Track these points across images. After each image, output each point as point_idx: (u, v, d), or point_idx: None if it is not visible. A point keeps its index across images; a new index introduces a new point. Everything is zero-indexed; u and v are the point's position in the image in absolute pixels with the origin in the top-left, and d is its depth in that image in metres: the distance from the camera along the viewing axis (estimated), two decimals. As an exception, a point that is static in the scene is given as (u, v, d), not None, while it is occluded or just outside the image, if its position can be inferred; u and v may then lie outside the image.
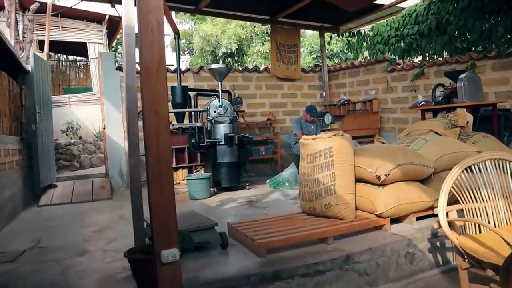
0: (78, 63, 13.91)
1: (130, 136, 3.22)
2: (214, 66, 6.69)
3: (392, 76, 7.49)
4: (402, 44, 7.14)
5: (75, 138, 9.79)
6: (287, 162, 8.69)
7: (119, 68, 7.59)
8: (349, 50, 8.88)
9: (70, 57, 14.11)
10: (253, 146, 8.12)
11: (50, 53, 13.85)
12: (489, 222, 3.03)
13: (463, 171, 3.07)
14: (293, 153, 7.59)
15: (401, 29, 7.15)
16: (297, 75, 8.93)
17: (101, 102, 7.71)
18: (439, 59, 6.61)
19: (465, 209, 3.04)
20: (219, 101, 6.77)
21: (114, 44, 14.70)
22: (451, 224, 2.98)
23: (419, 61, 7.09)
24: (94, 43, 9.90)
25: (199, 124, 4.33)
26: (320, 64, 9.39)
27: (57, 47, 11.41)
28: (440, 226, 2.99)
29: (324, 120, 8.19)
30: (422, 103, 5.72)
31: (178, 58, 6.29)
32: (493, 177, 3.12)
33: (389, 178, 3.65)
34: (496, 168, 3.17)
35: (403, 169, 3.70)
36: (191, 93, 6.78)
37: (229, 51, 13.00)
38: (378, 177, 3.63)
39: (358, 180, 3.93)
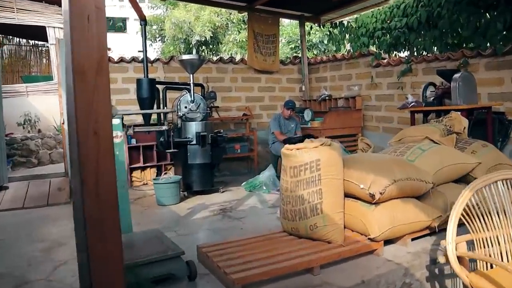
0: (40, 48, 12.89)
1: (71, 154, 2.59)
2: (185, 57, 6.05)
3: (377, 71, 7.04)
4: (388, 37, 6.68)
5: (34, 131, 8.96)
6: (264, 160, 8.18)
7: (80, 57, 6.85)
8: (331, 41, 8.36)
9: (31, 42, 13.07)
10: (228, 143, 7.55)
11: (8, 36, 12.84)
12: (501, 254, 2.60)
13: (473, 194, 2.61)
14: (271, 153, 7.08)
15: (388, 22, 6.69)
16: (275, 67, 8.37)
17: (59, 94, 6.96)
18: (428, 55, 6.18)
19: (476, 240, 2.59)
20: (191, 96, 6.15)
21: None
22: (459, 258, 2.52)
23: (406, 56, 6.66)
24: (54, 27, 9.05)
25: (164, 127, 3.73)
26: (300, 56, 8.86)
27: (14, 31, 10.46)
28: (447, 261, 2.53)
29: (303, 116, 7.70)
30: (412, 103, 5.28)
31: (145, 48, 5.63)
32: (505, 200, 2.68)
33: (384, 196, 3.17)
34: (508, 189, 2.73)
35: (400, 185, 3.23)
36: (160, 87, 6.14)
37: (203, 39, 12.29)
38: (372, 196, 3.15)
39: (348, 195, 3.44)
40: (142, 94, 5.60)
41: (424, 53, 6.68)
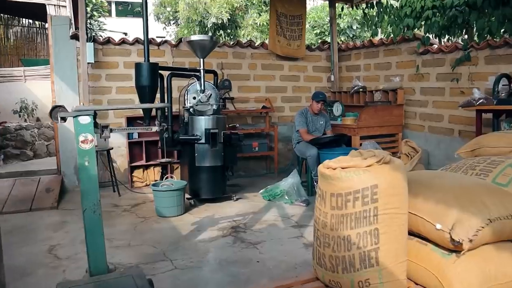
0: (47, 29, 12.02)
1: None
2: (194, 37, 5.02)
3: (424, 59, 5.89)
4: (440, 18, 5.53)
5: (31, 120, 8.10)
6: (285, 159, 7.17)
7: (75, 37, 5.90)
8: (365, 25, 7.22)
9: (38, 23, 12.21)
10: (245, 140, 6.53)
11: (15, 17, 11.99)
12: None
13: None
14: (294, 154, 6.04)
15: (442, -1, 5.54)
16: (300, 53, 7.27)
17: (51, 80, 6.02)
18: (495, 40, 5.01)
19: None
20: (201, 85, 5.14)
21: (89, 10, 12.81)
22: None
23: (463, 41, 5.49)
24: (54, 5, 8.13)
25: (156, 127, 2.72)
26: (329, 41, 7.73)
27: (17, 9, 9.57)
28: None
29: (332, 110, 6.61)
30: (481, 100, 4.14)
31: (145, 23, 4.59)
32: None
33: (476, 242, 2.10)
34: None
35: (498, 226, 2.15)
36: (165, 73, 5.14)
37: (220, 22, 11.21)
38: (457, 243, 2.08)
39: (412, 233, 2.38)
40: (141, 82, 4.59)
41: (488, 37, 5.49)
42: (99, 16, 12.95)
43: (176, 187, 4.61)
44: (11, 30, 11.97)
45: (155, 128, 2.80)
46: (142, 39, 6.24)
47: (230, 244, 3.70)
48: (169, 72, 5.16)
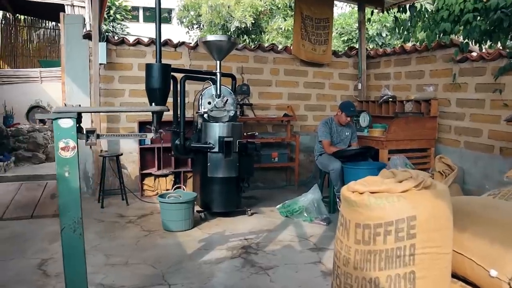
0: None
1: None
2: (211, 37, 4.66)
3: (462, 68, 5.36)
4: (483, 22, 5.02)
5: (46, 122, 7.91)
6: (307, 171, 6.72)
7: (88, 36, 5.64)
8: (396, 31, 6.71)
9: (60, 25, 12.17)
10: (264, 149, 6.13)
11: (40, 20, 11.99)
12: None
13: None
14: (316, 167, 5.59)
15: (485, 0, 5.01)
16: (326, 59, 6.82)
17: (62, 80, 5.78)
18: (546, 46, 4.46)
19: None
20: (216, 89, 4.77)
21: (112, 12, 12.70)
22: None
23: (509, 47, 4.94)
24: (73, 5, 7.98)
25: (152, 134, 2.32)
26: (356, 47, 7.27)
27: (37, 11, 9.51)
28: None
29: (358, 121, 6.14)
30: (533, 114, 3.62)
31: (158, 21, 4.25)
32: None
33: (543, 298, 1.62)
34: None
35: None
36: (178, 76, 4.79)
37: (244, 26, 10.88)
38: (520, 297, 1.61)
39: (455, 275, 1.91)
40: (151, 84, 4.21)
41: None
42: (122, 19, 12.83)
43: (184, 200, 4.23)
44: (34, 33, 11.97)
45: (150, 136, 2.43)
46: (145, 33, 6.02)
47: (238, 268, 3.28)
48: (183, 74, 4.81)
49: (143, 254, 3.58)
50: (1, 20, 11.60)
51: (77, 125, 2.16)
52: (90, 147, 5.63)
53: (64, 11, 8.17)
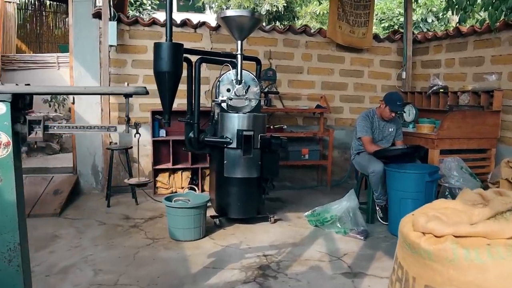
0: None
1: None
2: (229, 13, 3.95)
3: (534, 52, 4.44)
4: None
5: (62, 110, 7.48)
6: (341, 170, 5.96)
7: (98, 15, 5.05)
8: (449, 9, 5.77)
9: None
10: (292, 144, 5.42)
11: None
12: None
13: None
14: (352, 167, 4.82)
15: None
16: (366, 43, 5.98)
17: (70, 65, 5.24)
18: None
19: None
20: (237, 74, 4.07)
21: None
22: None
23: None
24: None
25: (123, 128, 1.68)
26: (402, 30, 6.37)
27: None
28: None
29: (402, 115, 5.29)
30: None
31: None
32: None
33: None
34: None
35: None
36: (193, 58, 4.12)
37: (275, 10, 10.09)
38: None
39: None
40: (160, 67, 3.60)
41: None
42: (147, 5, 12.29)
43: (193, 204, 3.57)
44: (60, 18, 11.63)
45: (121, 129, 1.75)
46: (177, 20, 5.38)
47: (251, 298, 2.59)
48: (199, 56, 4.13)
49: (139, 272, 2.95)
50: (28, 6, 11.33)
51: (16, 111, 1.51)
52: (108, 138, 5.08)
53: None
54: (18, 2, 10.91)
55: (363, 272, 2.98)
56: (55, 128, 1.71)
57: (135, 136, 1.94)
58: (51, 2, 11.39)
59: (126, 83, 2.02)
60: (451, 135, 4.45)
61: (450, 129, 4.45)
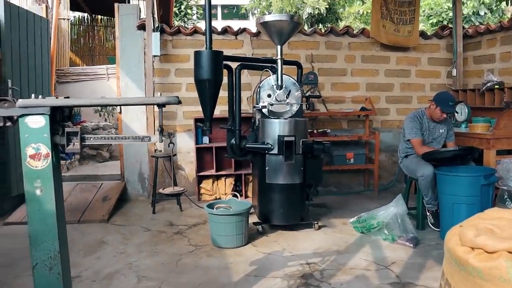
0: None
1: None
2: (268, 18, 3.92)
3: None
4: None
5: (111, 120, 7.76)
6: (389, 174, 5.76)
7: (142, 27, 5.19)
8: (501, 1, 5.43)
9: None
10: (337, 148, 5.30)
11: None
12: None
13: None
14: (400, 170, 4.63)
15: None
16: (412, 41, 5.74)
17: (117, 75, 5.41)
18: None
19: None
20: (277, 79, 4.02)
21: (183, 8, 12.44)
22: None
23: None
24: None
25: (156, 138, 1.66)
26: (450, 26, 6.07)
27: (105, 9, 9.47)
28: None
29: (454, 114, 5.01)
30: None
31: (208, 1, 3.61)
32: None
33: None
34: None
35: None
36: (233, 64, 4.12)
37: (317, 13, 9.95)
38: None
39: None
40: (200, 75, 3.63)
41: None
42: (192, 15, 12.54)
43: (235, 211, 3.55)
44: (110, 32, 12.13)
45: (155, 138, 1.73)
46: (217, 28, 5.42)
47: (293, 309, 2.52)
48: (238, 63, 4.13)
49: (181, 279, 2.96)
50: (81, 21, 11.93)
51: (55, 124, 1.55)
52: (153, 146, 5.20)
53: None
54: (72, 19, 11.51)
55: (413, 283, 2.81)
56: (91, 139, 1.73)
57: (168, 146, 1.93)
58: (102, 17, 11.91)
59: (159, 93, 2.02)
60: (509, 134, 4.15)
61: (507, 127, 4.15)
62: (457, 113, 4.88)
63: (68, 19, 10.89)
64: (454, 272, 1.06)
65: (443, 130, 4.07)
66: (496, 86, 4.96)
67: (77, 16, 12.14)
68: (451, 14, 8.25)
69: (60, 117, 1.65)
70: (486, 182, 3.49)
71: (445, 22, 10.23)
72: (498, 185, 3.82)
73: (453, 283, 1.06)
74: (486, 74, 5.30)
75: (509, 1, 5.09)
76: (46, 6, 7.22)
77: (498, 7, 9.82)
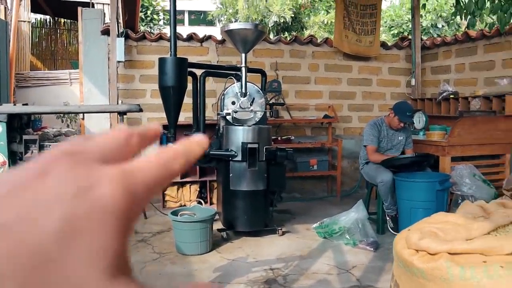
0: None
1: None
2: (233, 26, 3.96)
3: (545, 55, 4.35)
4: None
5: (74, 126, 7.57)
6: (351, 180, 5.88)
7: (106, 32, 5.12)
8: (458, 14, 5.69)
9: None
10: (301, 155, 5.38)
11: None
12: None
13: None
14: (361, 176, 4.76)
15: None
16: (373, 51, 5.94)
17: (80, 81, 5.31)
18: None
19: None
20: (241, 87, 4.06)
21: (149, 13, 12.34)
22: None
23: None
24: (103, 3, 7.59)
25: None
26: (410, 37, 6.32)
27: (68, 12, 9.28)
28: None
29: (412, 122, 5.19)
30: None
31: (173, 7, 3.61)
32: None
33: None
34: None
35: None
36: (198, 71, 4.14)
37: (283, 21, 10.11)
38: None
39: None
40: (164, 82, 3.64)
41: None
42: (158, 21, 12.46)
43: (199, 218, 3.55)
44: (73, 35, 11.87)
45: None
46: (182, 35, 5.42)
47: (255, 315, 2.55)
48: (203, 70, 4.15)
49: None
50: (43, 24, 11.61)
51: (12, 131, 1.52)
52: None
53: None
54: (33, 21, 11.18)
55: (372, 285, 2.91)
56: (50, 147, 1.71)
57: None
58: (65, 20, 11.63)
59: (121, 100, 2.02)
60: (462, 141, 4.36)
61: (461, 135, 4.36)
62: (413, 123, 5.07)
63: (29, 21, 10.58)
64: (402, 274, 1.12)
65: (402, 138, 4.23)
66: (451, 96, 5.20)
67: (38, 19, 11.82)
68: (411, 25, 8.58)
69: (18, 124, 1.63)
70: (441, 188, 3.66)
71: (405, 33, 10.60)
72: (452, 190, 4.01)
73: (401, 284, 1.12)
74: (442, 84, 5.55)
75: (462, 16, 5.34)
76: (5, 8, 7.02)
77: (454, 20, 10.29)
